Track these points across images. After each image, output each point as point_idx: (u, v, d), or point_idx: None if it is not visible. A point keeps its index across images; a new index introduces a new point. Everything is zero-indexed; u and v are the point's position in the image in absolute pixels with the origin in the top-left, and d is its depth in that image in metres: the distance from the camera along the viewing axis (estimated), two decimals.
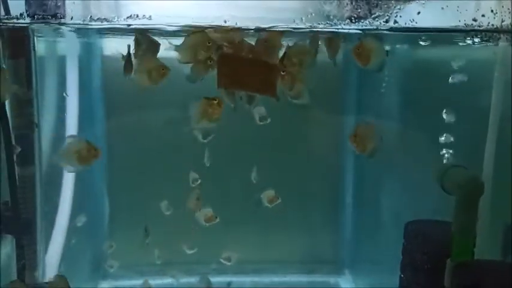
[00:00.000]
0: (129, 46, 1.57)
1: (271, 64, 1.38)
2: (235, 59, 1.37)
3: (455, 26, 1.41)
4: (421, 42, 1.92)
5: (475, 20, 1.39)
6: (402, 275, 1.95)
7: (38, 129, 1.87)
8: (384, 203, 2.58)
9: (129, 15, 1.31)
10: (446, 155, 2.12)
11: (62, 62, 2.33)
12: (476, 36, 1.54)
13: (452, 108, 2.10)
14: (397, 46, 2.35)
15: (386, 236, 2.50)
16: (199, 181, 2.29)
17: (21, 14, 1.41)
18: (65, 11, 1.50)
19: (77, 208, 2.35)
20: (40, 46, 2.09)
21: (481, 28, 1.40)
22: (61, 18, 1.49)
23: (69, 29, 1.77)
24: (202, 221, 2.27)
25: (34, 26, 1.67)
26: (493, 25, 1.40)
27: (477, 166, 1.92)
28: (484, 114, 1.91)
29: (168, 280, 2.64)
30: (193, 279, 2.61)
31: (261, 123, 2.05)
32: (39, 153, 1.91)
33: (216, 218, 2.27)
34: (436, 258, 1.77)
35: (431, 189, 1.86)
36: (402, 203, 2.41)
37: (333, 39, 1.54)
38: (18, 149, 1.75)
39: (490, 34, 1.50)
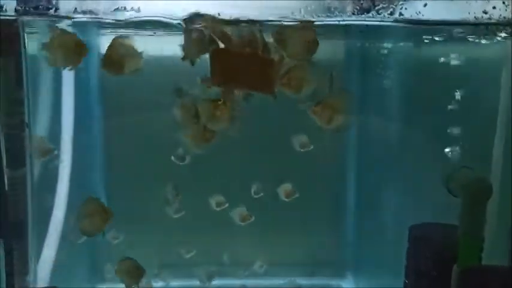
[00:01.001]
0: None
1: (268, 59, 1.28)
2: (229, 55, 1.27)
3: (464, 19, 1.32)
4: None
5: (485, 12, 1.30)
6: (406, 281, 1.86)
7: (29, 129, 1.79)
8: (387, 204, 2.51)
9: (117, 7, 1.21)
10: (452, 156, 2.04)
11: None
12: (487, 29, 1.45)
13: (458, 108, 2.03)
14: (401, 43, 2.29)
15: (389, 238, 2.44)
16: None
17: (0, 6, 1.32)
18: (58, 4, 1.41)
19: (73, 210, 2.23)
20: (34, 44, 2.03)
21: (491, 21, 1.31)
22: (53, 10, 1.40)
23: (67, 23, 1.69)
24: (238, 220, 2.22)
25: (23, 20, 1.59)
26: (504, 17, 1.31)
27: (485, 167, 1.84)
28: (493, 114, 1.84)
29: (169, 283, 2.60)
30: (191, 283, 2.58)
31: (302, 150, 1.96)
32: (30, 153, 1.83)
33: (251, 217, 2.20)
34: (441, 263, 1.70)
35: (435, 190, 1.80)
36: (406, 205, 2.35)
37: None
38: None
39: (501, 27, 1.41)
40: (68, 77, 2.28)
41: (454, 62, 2.01)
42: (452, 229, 1.65)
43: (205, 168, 2.28)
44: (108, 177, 2.60)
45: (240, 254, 2.60)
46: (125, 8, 1.21)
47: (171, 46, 1.53)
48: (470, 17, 1.31)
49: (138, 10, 1.21)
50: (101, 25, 1.77)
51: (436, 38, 1.93)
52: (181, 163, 2.09)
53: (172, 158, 2.07)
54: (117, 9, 1.20)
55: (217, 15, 1.23)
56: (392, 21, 1.30)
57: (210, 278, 2.49)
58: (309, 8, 1.26)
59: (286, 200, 2.24)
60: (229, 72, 1.28)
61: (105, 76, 2.47)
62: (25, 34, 1.75)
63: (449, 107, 2.05)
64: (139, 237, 2.49)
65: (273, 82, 1.29)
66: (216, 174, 2.35)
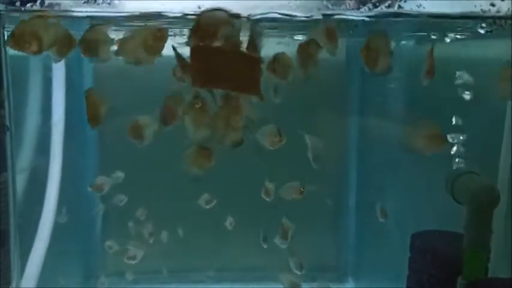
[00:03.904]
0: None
1: (253, 57, 1.15)
2: (210, 52, 1.15)
3: (470, 12, 1.20)
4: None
5: (493, 5, 1.18)
6: None
7: (10, 132, 1.68)
8: (389, 207, 2.40)
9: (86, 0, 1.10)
10: (457, 160, 1.95)
11: (47, 61, 2.17)
12: (494, 24, 1.33)
13: (464, 108, 1.94)
14: (403, 41, 2.19)
15: (391, 241, 2.37)
16: None
17: None
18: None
19: (65, 214, 2.21)
20: None
21: (499, 14, 1.19)
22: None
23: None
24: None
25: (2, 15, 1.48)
26: None
27: (491, 172, 1.74)
28: (500, 116, 1.74)
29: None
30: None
31: None
32: (11, 158, 1.72)
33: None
34: (446, 275, 1.59)
35: (439, 196, 1.71)
36: (408, 207, 2.28)
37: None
38: None
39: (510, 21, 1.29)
40: (58, 76, 2.18)
41: (459, 61, 1.93)
42: (457, 238, 1.55)
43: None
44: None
45: (239, 258, 2.56)
46: (95, 1, 1.10)
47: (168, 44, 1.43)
48: (477, 10, 1.19)
49: (110, 3, 1.10)
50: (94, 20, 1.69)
51: (441, 35, 1.85)
52: None
53: None
54: (87, 2, 1.09)
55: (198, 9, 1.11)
56: (390, 15, 1.19)
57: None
58: (298, 2, 1.14)
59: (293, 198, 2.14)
60: (211, 72, 1.16)
61: (100, 75, 2.44)
62: (5, 31, 1.64)
63: (455, 108, 1.97)
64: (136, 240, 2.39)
65: (259, 82, 1.17)
66: (214, 175, 2.25)
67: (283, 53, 1.35)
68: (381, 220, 2.17)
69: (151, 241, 2.40)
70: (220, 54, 1.15)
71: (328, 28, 1.25)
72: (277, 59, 1.34)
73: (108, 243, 2.38)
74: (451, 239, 1.67)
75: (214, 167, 2.19)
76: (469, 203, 1.51)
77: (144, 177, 2.37)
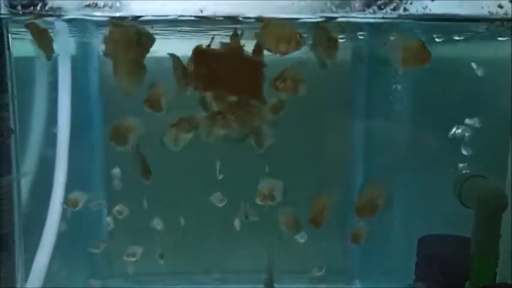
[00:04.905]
0: None
1: (255, 61, 1.13)
2: (213, 56, 1.13)
3: (477, 15, 1.17)
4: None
5: (500, 6, 1.15)
6: None
7: (14, 135, 1.67)
8: (396, 210, 2.37)
9: (87, 3, 1.07)
10: (464, 164, 1.92)
11: (52, 63, 2.15)
12: (502, 26, 1.30)
13: (471, 111, 1.92)
14: None
15: (397, 244, 2.36)
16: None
17: None
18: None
19: (70, 220, 2.18)
20: (27, 45, 1.93)
21: (508, 16, 1.15)
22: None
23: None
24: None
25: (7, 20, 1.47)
26: None
27: (499, 176, 1.70)
28: (508, 118, 1.69)
29: None
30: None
31: None
32: (16, 161, 1.71)
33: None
34: (453, 281, 1.56)
35: (446, 198, 1.69)
36: (415, 212, 2.27)
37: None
38: None
39: None
40: (64, 78, 2.16)
41: (467, 63, 1.90)
42: (464, 243, 1.52)
43: (208, 169, 2.19)
44: (109, 184, 2.48)
45: (245, 261, 2.54)
46: (96, 5, 1.08)
47: (172, 46, 1.42)
48: (484, 12, 1.16)
49: (111, 7, 1.08)
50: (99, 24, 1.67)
51: (447, 37, 1.81)
52: None
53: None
54: (88, 6, 1.07)
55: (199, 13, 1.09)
56: (396, 18, 1.16)
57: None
58: (302, 4, 1.12)
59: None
60: (213, 76, 1.14)
61: (106, 77, 2.42)
62: (9, 34, 1.63)
63: (462, 110, 1.96)
64: (142, 245, 2.40)
65: (262, 86, 1.14)
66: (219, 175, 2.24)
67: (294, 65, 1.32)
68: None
69: (156, 242, 2.40)
70: (223, 58, 1.13)
71: (329, 36, 1.22)
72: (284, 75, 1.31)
73: (117, 208, 2.36)
74: (458, 243, 1.64)
75: (220, 170, 2.19)
76: (477, 208, 1.48)
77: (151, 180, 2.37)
